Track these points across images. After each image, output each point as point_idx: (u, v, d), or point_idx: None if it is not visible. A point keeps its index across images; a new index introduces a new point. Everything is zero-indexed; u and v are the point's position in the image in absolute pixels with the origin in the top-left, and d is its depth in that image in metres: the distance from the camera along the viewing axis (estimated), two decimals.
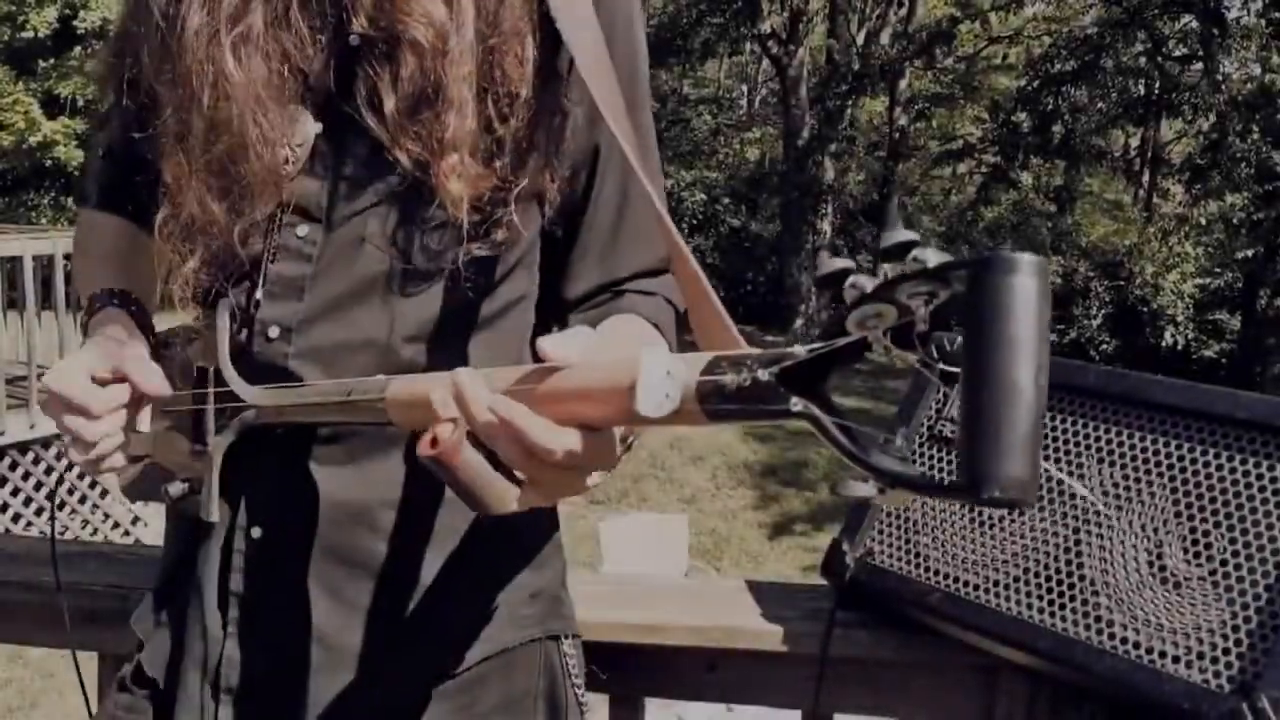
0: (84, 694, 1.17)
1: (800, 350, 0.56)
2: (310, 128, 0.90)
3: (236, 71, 0.87)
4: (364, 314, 0.92)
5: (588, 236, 0.99)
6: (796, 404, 0.55)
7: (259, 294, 0.92)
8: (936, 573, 1.16)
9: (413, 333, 0.93)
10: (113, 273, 1.03)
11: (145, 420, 0.96)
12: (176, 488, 0.94)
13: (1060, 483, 1.10)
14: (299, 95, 0.90)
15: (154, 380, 0.92)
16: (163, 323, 1.03)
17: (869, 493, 0.54)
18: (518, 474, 0.66)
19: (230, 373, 0.91)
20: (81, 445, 0.91)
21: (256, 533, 0.94)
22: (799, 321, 16.75)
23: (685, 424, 0.61)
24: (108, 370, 0.91)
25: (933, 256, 0.51)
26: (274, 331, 0.92)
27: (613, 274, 1.00)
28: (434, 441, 0.66)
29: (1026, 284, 0.49)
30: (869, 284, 0.54)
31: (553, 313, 1.02)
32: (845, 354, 0.56)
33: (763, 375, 0.56)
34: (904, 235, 0.53)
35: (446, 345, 0.94)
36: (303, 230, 0.91)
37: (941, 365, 0.54)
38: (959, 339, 0.53)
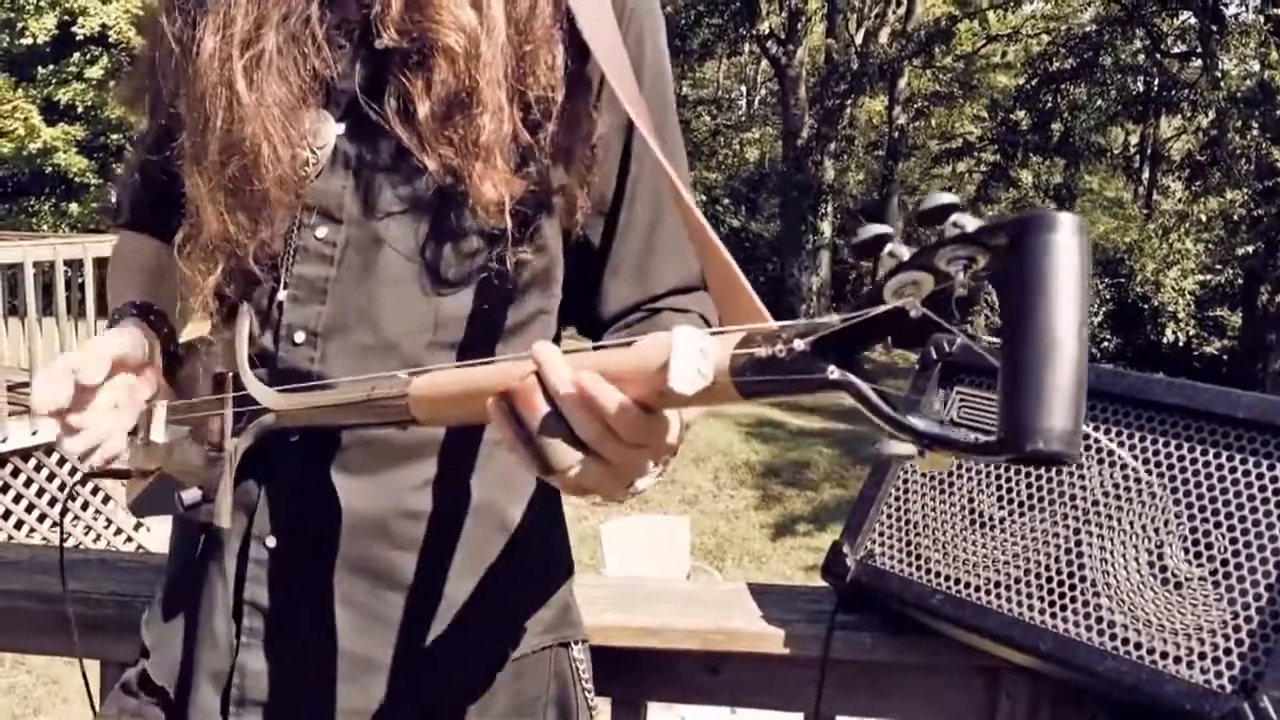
0: (91, 705, 1.17)
1: (835, 319, 0.55)
2: (332, 129, 0.90)
3: (248, 93, 0.87)
4: (387, 318, 0.91)
5: (620, 253, 0.98)
6: (833, 372, 0.54)
7: (281, 295, 0.92)
8: (937, 574, 1.16)
9: (436, 339, 0.92)
10: (138, 288, 1.03)
11: (159, 431, 0.96)
12: (190, 495, 0.93)
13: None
14: (321, 100, 0.90)
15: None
16: None
17: (909, 451, 0.53)
18: (586, 443, 0.64)
19: (248, 376, 0.90)
20: (68, 439, 0.89)
21: (272, 542, 0.94)
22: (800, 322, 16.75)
23: (719, 401, 0.61)
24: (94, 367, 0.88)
25: (971, 221, 0.51)
26: (300, 336, 0.92)
27: (647, 291, 0.99)
28: (506, 391, 0.65)
29: (1067, 240, 0.49)
30: (906, 252, 0.53)
31: (587, 332, 1.01)
32: (880, 324, 0.55)
33: (799, 345, 0.56)
34: (943, 199, 0.52)
35: (471, 354, 0.93)
36: (322, 231, 0.91)
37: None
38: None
